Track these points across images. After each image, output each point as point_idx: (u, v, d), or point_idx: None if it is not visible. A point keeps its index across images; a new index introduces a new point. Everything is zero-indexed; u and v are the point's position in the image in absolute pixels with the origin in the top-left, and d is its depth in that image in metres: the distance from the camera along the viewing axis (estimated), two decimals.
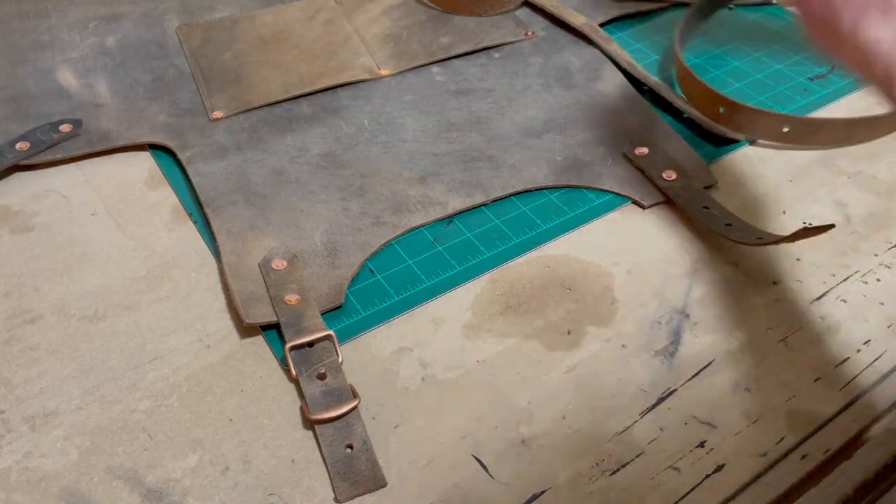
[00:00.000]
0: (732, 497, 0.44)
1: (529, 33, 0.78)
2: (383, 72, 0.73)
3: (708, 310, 0.54)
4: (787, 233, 0.54)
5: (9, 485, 0.44)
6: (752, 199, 0.62)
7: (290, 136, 0.67)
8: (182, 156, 0.64)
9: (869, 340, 0.52)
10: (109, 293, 0.55)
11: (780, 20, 0.82)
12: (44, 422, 0.47)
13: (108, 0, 0.82)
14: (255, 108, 0.69)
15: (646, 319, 0.53)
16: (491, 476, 0.45)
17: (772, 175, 0.64)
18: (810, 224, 0.59)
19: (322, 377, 0.48)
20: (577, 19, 0.78)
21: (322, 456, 0.45)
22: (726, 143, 0.67)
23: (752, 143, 0.67)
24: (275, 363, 0.51)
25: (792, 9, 0.83)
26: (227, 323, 0.53)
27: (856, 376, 0.50)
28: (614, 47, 0.75)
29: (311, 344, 0.50)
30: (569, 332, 0.52)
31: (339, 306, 0.53)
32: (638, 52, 0.77)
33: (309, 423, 0.47)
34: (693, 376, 0.50)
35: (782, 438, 0.46)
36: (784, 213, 0.61)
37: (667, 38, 0.79)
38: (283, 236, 0.58)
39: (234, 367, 0.50)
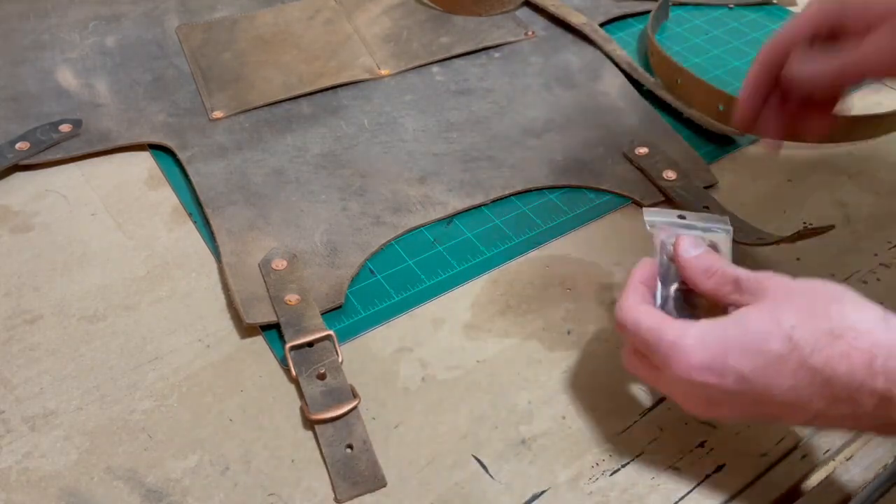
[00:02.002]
0: (732, 497, 0.44)
1: (529, 33, 0.78)
2: (383, 72, 0.73)
3: None
4: (787, 233, 0.54)
5: (9, 485, 0.44)
6: (752, 199, 0.62)
7: (290, 136, 0.67)
8: (182, 156, 0.64)
9: None
10: (109, 293, 0.55)
11: (780, 20, 0.82)
12: (44, 422, 0.47)
13: (108, 0, 0.82)
14: (255, 108, 0.69)
15: None
16: (491, 476, 0.45)
17: (772, 175, 0.64)
18: (810, 224, 0.59)
19: (322, 377, 0.48)
20: (577, 19, 0.78)
21: (322, 456, 0.45)
22: (726, 142, 0.67)
23: (753, 142, 0.67)
24: (275, 363, 0.51)
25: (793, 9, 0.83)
26: (227, 323, 0.53)
27: None
28: (614, 47, 0.75)
29: (311, 344, 0.50)
30: (569, 332, 0.52)
31: (339, 306, 0.53)
32: (637, 51, 0.78)
33: (309, 423, 0.47)
34: None
35: (782, 438, 0.46)
36: (784, 212, 0.61)
37: (666, 37, 0.79)
38: (283, 236, 0.58)
39: (234, 367, 0.50)
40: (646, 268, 0.44)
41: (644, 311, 0.41)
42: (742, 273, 0.41)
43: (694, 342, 0.38)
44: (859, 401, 0.35)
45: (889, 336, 0.35)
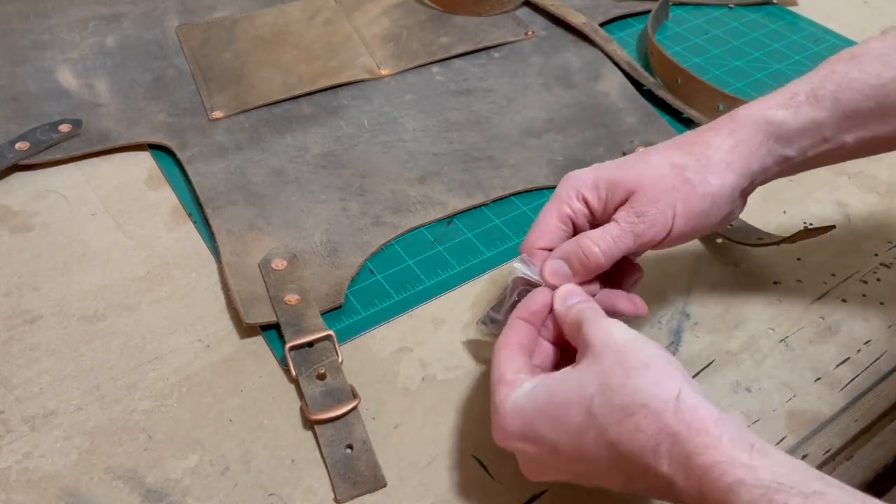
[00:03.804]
0: None
1: (529, 33, 0.78)
2: (383, 71, 0.73)
3: (708, 310, 0.54)
4: (787, 233, 0.54)
5: (9, 485, 0.44)
6: (752, 199, 0.61)
7: (290, 136, 0.67)
8: (182, 156, 0.64)
9: (869, 340, 0.52)
10: (109, 293, 0.55)
11: (780, 20, 0.82)
12: (44, 422, 0.47)
13: (108, 0, 0.82)
14: (255, 108, 0.69)
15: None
16: (491, 476, 0.45)
17: None
18: (811, 224, 0.59)
19: (322, 377, 0.48)
20: (577, 19, 0.78)
21: (322, 456, 0.45)
22: None
23: None
24: (275, 363, 0.51)
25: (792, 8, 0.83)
26: (227, 323, 0.53)
27: (856, 376, 0.50)
28: (614, 47, 0.75)
29: (310, 344, 0.50)
30: None
31: (339, 306, 0.53)
32: (637, 51, 0.78)
33: (309, 423, 0.47)
34: (693, 376, 0.50)
35: (782, 438, 0.46)
36: (784, 213, 0.61)
37: (666, 37, 0.79)
38: (283, 236, 0.58)
39: (234, 367, 0.50)
40: (524, 332, 0.43)
41: (506, 354, 0.41)
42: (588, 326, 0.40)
43: (510, 410, 0.39)
44: (650, 481, 0.35)
45: (678, 420, 0.34)
